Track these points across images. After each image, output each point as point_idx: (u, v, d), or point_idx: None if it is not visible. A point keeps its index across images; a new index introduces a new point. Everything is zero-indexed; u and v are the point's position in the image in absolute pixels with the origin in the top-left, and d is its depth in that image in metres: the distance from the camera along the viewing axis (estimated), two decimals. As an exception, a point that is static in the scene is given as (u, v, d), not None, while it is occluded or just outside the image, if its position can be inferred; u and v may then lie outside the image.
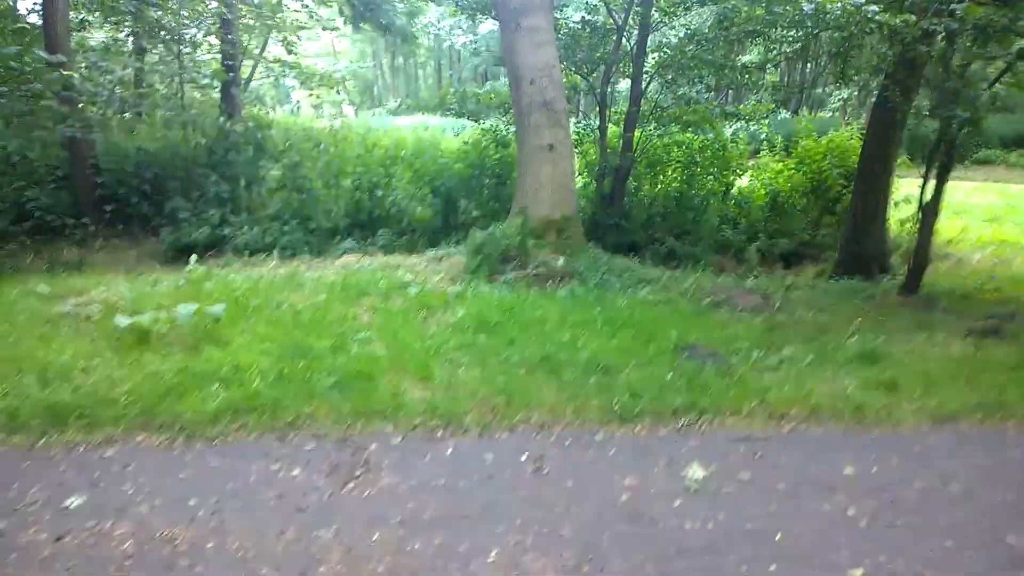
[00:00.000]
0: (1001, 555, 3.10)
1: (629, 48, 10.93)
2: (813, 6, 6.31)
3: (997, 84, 7.16)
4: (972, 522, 3.36)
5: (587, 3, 12.20)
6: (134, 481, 3.50)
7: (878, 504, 3.50)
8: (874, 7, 6.05)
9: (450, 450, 3.95)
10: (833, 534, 3.23)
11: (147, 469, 3.62)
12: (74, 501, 3.32)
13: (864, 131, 9.49)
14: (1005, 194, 18.77)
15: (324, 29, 20.74)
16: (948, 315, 6.85)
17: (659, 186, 11.86)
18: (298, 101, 38.83)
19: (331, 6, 18.26)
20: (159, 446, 3.87)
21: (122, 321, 5.03)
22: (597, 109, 11.36)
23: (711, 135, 11.86)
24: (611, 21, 10.90)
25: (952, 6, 6.25)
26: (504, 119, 12.15)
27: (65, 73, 8.76)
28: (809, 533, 3.23)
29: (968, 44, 6.76)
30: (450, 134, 19.61)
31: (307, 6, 16.40)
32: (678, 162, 11.80)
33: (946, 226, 12.34)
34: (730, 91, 22.84)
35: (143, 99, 11.46)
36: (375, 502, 3.39)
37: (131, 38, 12.38)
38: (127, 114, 12.09)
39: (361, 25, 23.58)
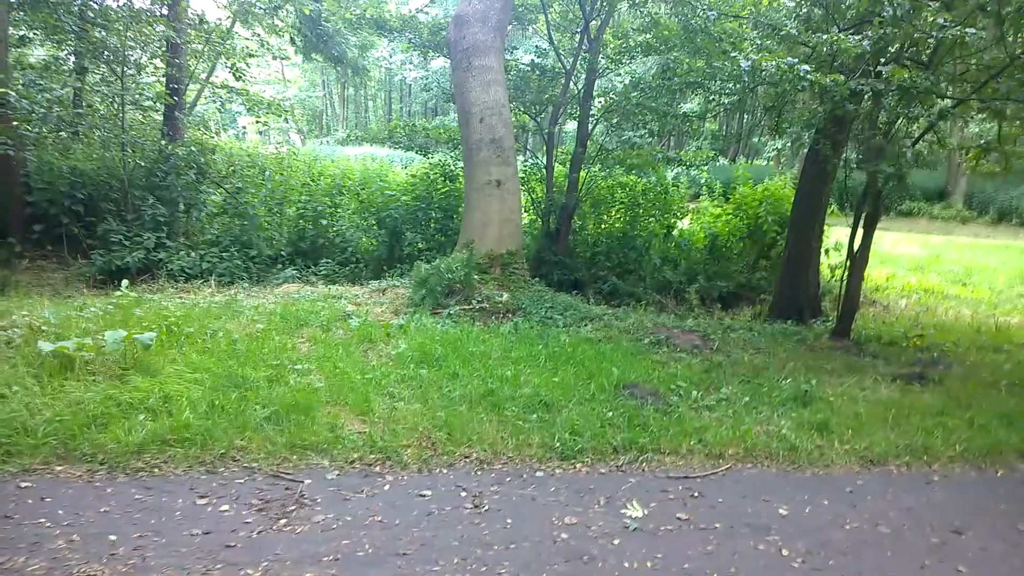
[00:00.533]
0: (927, 595, 3.17)
1: (576, 91, 11.16)
2: (750, 63, 6.58)
3: (920, 142, 7.54)
4: (900, 563, 3.44)
5: (537, 47, 12.46)
6: (51, 514, 3.33)
7: (811, 544, 3.56)
8: (806, 67, 6.35)
9: (388, 486, 3.87)
10: (769, 574, 3.26)
11: (66, 502, 3.44)
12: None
13: (797, 180, 9.87)
14: (928, 245, 19.69)
15: (275, 58, 20.62)
16: (876, 360, 7.10)
17: (603, 225, 12.05)
18: (244, 127, 38.37)
19: (282, 35, 18.19)
20: (79, 478, 3.69)
21: (45, 346, 4.80)
22: (544, 148, 11.53)
23: (653, 178, 12.15)
24: (559, 65, 11.14)
25: (879, 68, 6.60)
26: (452, 154, 12.23)
27: (0, 90, 8.46)
28: (744, 573, 3.26)
29: (893, 104, 7.11)
30: (398, 166, 19.64)
31: (258, 35, 16.30)
32: (622, 203, 12.03)
33: (874, 273, 12.86)
34: (672, 137, 23.53)
35: (81, 119, 11.12)
36: (308, 539, 3.28)
37: (72, 57, 12.05)
38: (63, 133, 11.71)
39: (312, 55, 23.55)
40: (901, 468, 4.62)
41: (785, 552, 3.47)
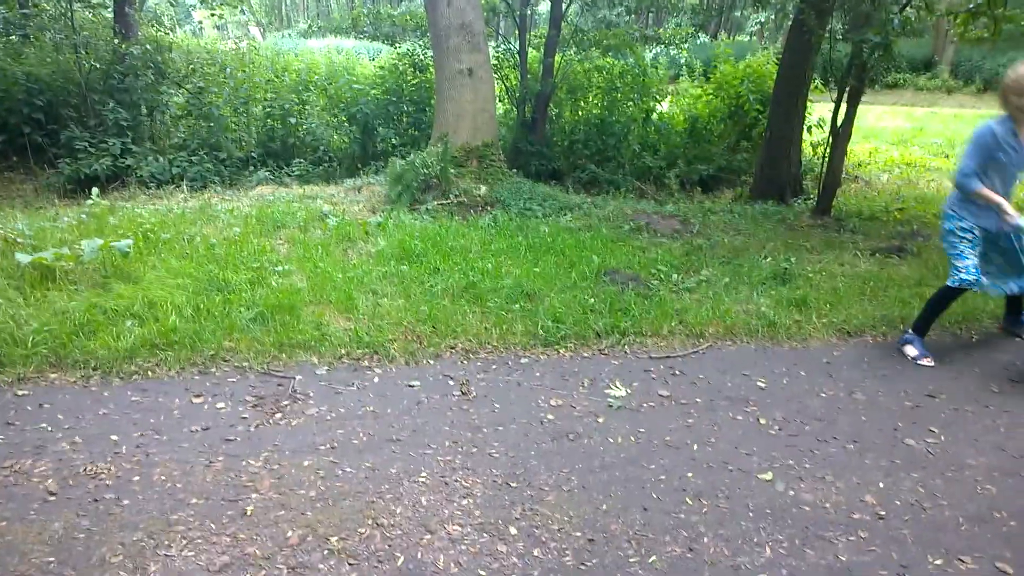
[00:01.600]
0: (900, 456, 3.34)
1: (549, -32, 10.69)
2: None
3: (907, 8, 7.33)
4: (874, 427, 3.61)
5: (505, -80, 11.81)
6: (51, 419, 3.39)
7: (787, 413, 3.71)
8: (791, -71, 6.07)
9: (376, 379, 3.95)
10: (745, 442, 3.42)
11: (64, 407, 3.50)
12: (-13, 443, 3.19)
13: (780, 56, 9.64)
14: (912, 117, 19.55)
15: (226, -56, 19.44)
16: (856, 235, 7.18)
17: (580, 112, 11.80)
18: (200, 21, 36.58)
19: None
20: (74, 384, 3.73)
21: (23, 258, 4.75)
22: (516, 33, 11.13)
23: (631, 60, 11.81)
24: (530, -61, 10.61)
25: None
26: (421, 43, 11.79)
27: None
28: (723, 442, 3.41)
29: (880, -33, 6.87)
30: (365, 58, 18.95)
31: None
32: (599, 88, 11.73)
33: (856, 149, 12.83)
34: (650, 15, 22.77)
35: (29, 20, 10.54)
36: (303, 431, 3.38)
37: (13, -48, 11.31)
38: (13, 37, 11.12)
39: (266, -60, 22.22)
40: (878, 338, 4.77)
41: (763, 421, 3.62)
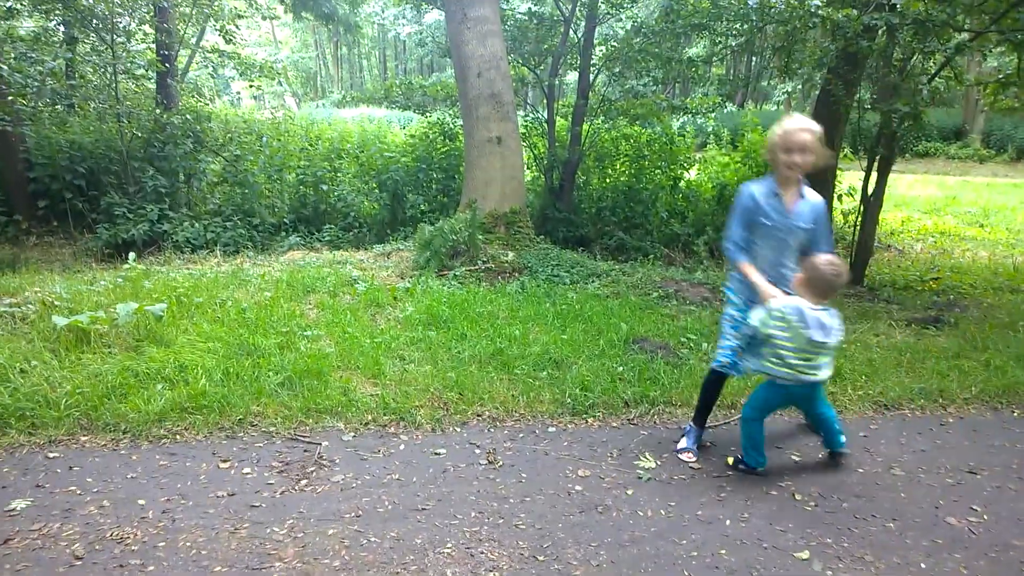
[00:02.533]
0: (942, 535, 3.21)
1: (576, 40, 10.96)
2: (758, 0, 6.41)
3: (936, 78, 7.38)
4: (914, 504, 3.48)
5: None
6: (80, 482, 3.40)
7: (824, 488, 3.60)
8: (817, 2, 6.18)
9: (403, 445, 3.92)
10: (780, 518, 3.31)
11: (93, 470, 3.51)
12: (19, 504, 3.20)
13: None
14: (944, 186, 19.46)
15: (264, 18, 20.30)
16: (891, 305, 7.08)
17: (608, 180, 11.93)
18: (238, 92, 37.99)
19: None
20: (104, 447, 3.76)
21: (60, 321, 4.84)
22: (545, 102, 11.37)
23: (659, 129, 11.97)
24: (558, 12, 10.93)
25: (893, 1, 6.42)
26: (451, 112, 12.08)
27: (-8, 64, 8.38)
28: (757, 517, 3.30)
29: (908, 39, 6.94)
30: (396, 127, 19.46)
31: (245, -6, 16.03)
32: (626, 156, 11.88)
33: (888, 217, 12.77)
34: (677, 85, 23.20)
35: (75, 91, 11.02)
36: (329, 498, 3.34)
37: (61, 27, 11.91)
38: (59, 106, 11.62)
39: (302, 14, 23.17)
40: (915, 411, 4.64)
41: (798, 496, 3.51)
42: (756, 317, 3.50)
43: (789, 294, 3.52)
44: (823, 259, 3.39)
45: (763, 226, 3.60)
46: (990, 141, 26.91)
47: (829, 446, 3.85)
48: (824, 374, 3.48)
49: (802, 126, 3.46)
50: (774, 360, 3.46)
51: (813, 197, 3.65)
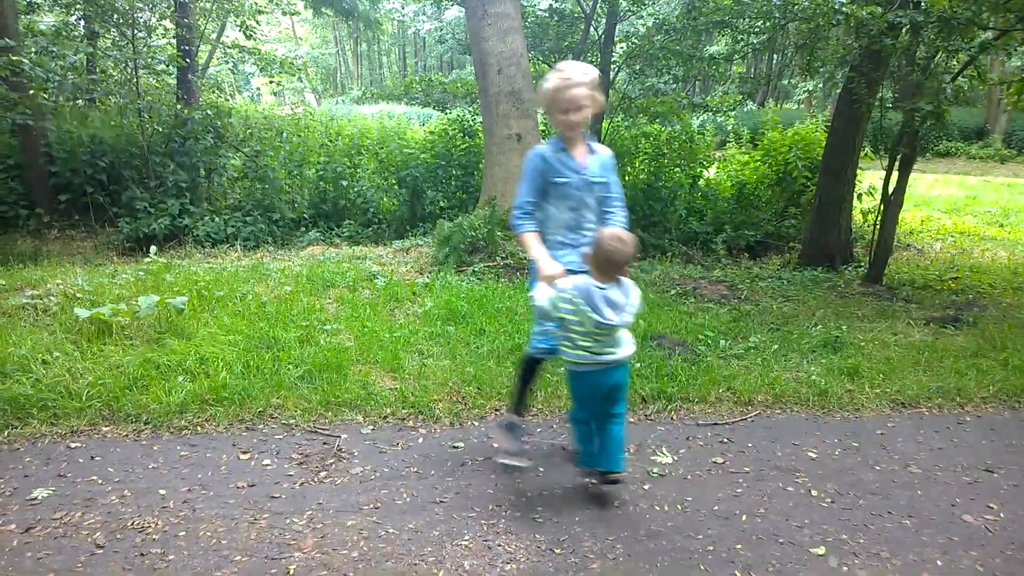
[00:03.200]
0: (958, 533, 3.19)
1: (597, 37, 10.96)
2: (781, -2, 6.38)
3: (960, 77, 7.31)
4: (930, 502, 3.46)
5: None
6: (102, 472, 3.45)
7: (840, 485, 3.59)
8: (841, -1, 6.13)
9: (421, 439, 3.95)
10: (797, 514, 3.30)
11: (114, 460, 3.57)
12: (41, 493, 3.25)
13: (829, 123, 9.65)
14: (965, 186, 19.25)
15: (284, 14, 20.42)
16: (909, 304, 7.02)
17: (627, 177, 11.90)
18: (258, 88, 38.29)
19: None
20: (126, 437, 3.82)
21: (82, 313, 4.92)
22: (564, 99, 11.35)
23: (678, 127, 11.94)
24: (579, 9, 10.92)
25: (917, -1, 6.36)
26: (471, 108, 12.12)
27: (14, 58, 8.49)
28: (774, 513, 3.30)
29: (932, 37, 6.87)
30: (416, 123, 19.51)
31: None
32: (646, 154, 11.86)
33: (908, 217, 12.66)
34: (697, 82, 23.07)
35: (96, 85, 11.15)
36: (348, 490, 3.37)
37: (82, 22, 12.05)
38: (80, 101, 11.76)
39: (322, 10, 23.29)
40: (933, 410, 4.61)
41: (815, 493, 3.50)
42: (543, 297, 3.15)
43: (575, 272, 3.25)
44: (606, 233, 3.09)
45: (559, 186, 3.32)
46: (1012, 141, 26.60)
47: (604, 465, 3.29)
48: (623, 352, 3.16)
49: (572, 81, 3.15)
50: (567, 344, 3.17)
51: (602, 151, 3.47)
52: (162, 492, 3.29)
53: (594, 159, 3.40)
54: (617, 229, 3.16)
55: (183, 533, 2.98)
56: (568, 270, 3.24)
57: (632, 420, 4.29)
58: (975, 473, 3.78)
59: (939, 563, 2.96)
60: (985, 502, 3.48)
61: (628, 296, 3.12)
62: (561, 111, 3.21)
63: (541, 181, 3.32)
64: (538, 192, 3.33)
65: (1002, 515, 3.36)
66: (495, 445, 3.77)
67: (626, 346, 3.19)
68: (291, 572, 2.75)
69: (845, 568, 2.91)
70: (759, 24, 9.68)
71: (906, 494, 3.53)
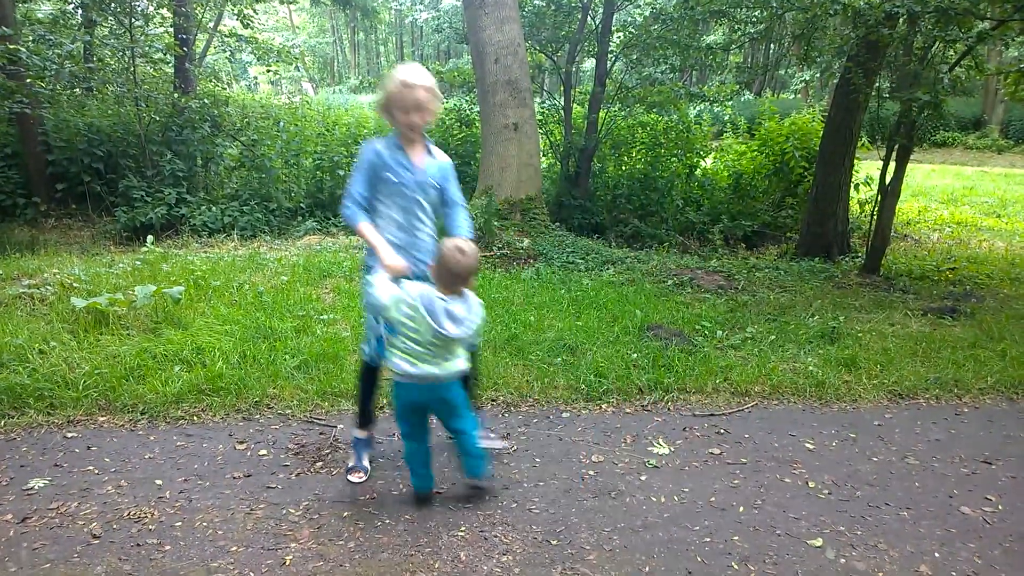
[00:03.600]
0: (956, 524, 3.20)
1: (594, 27, 10.90)
2: (778, -13, 6.35)
3: (957, 67, 7.29)
4: (928, 494, 3.46)
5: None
6: (98, 462, 3.45)
7: (838, 477, 3.59)
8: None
9: (418, 429, 3.93)
10: (794, 506, 3.30)
11: (111, 450, 3.56)
12: (37, 483, 3.25)
13: (826, 113, 9.63)
14: (962, 176, 19.27)
15: (281, 2, 20.32)
16: (906, 295, 7.03)
17: (624, 167, 11.90)
18: (255, 77, 38.09)
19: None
20: (122, 427, 3.81)
21: (78, 303, 4.90)
22: (562, 88, 11.33)
23: (675, 116, 11.91)
24: (576, -1, 10.87)
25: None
26: (467, 98, 12.06)
27: (11, 47, 8.44)
28: (771, 505, 3.30)
29: (930, 27, 6.85)
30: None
31: (265, -21, 16.03)
32: (642, 143, 11.84)
33: (905, 207, 12.66)
34: (694, 72, 23.00)
35: (93, 74, 11.09)
36: (344, 480, 3.37)
37: (79, 10, 11.96)
38: (77, 90, 11.70)
39: (320, -1, 23.18)
40: (930, 401, 4.61)
41: (812, 484, 3.51)
42: (384, 293, 2.95)
43: (420, 266, 3.23)
44: (447, 244, 3.01)
45: (390, 184, 3.23)
46: (1009, 131, 26.58)
47: (467, 471, 3.26)
48: (452, 368, 3.03)
49: (417, 82, 3.11)
50: (394, 349, 3.02)
51: (441, 157, 3.42)
52: (158, 482, 3.28)
53: (432, 163, 3.35)
54: (460, 240, 3.09)
55: (179, 523, 2.98)
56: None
57: (629, 411, 4.29)
58: (973, 464, 3.79)
59: (937, 555, 2.97)
60: (983, 494, 3.48)
61: (470, 310, 3.04)
62: (403, 111, 3.15)
63: (373, 175, 3.24)
64: (369, 186, 3.25)
65: (1000, 507, 3.37)
66: (348, 464, 3.50)
67: (457, 362, 3.05)
68: (287, 563, 2.75)
69: (843, 560, 2.91)
70: (756, 13, 9.64)
71: (904, 485, 3.54)
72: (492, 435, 3.75)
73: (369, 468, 3.47)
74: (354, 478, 3.39)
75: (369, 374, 3.49)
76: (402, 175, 3.23)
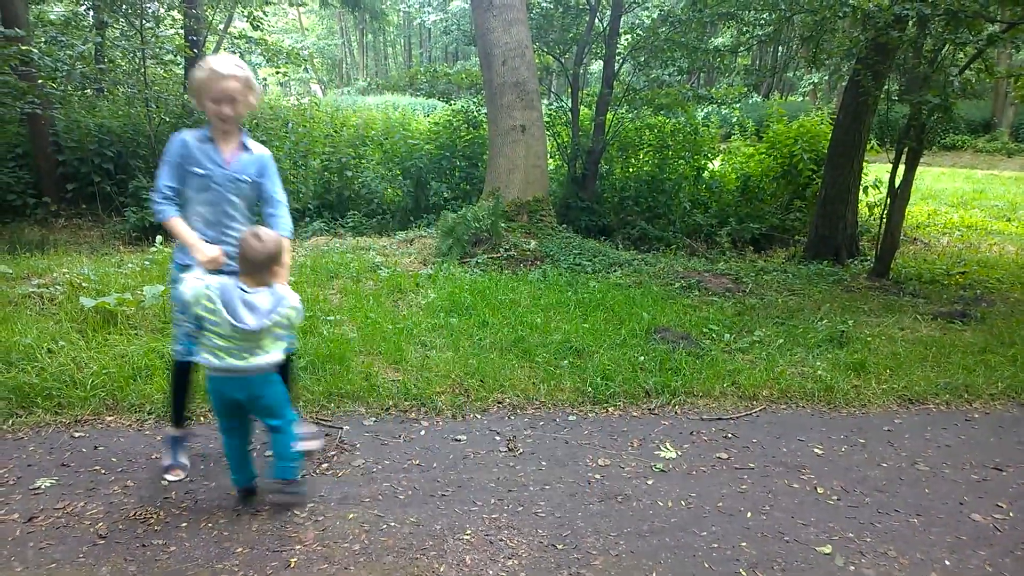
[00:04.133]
0: (966, 531, 3.17)
1: (602, 29, 10.88)
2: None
3: (967, 70, 7.25)
4: (938, 500, 3.43)
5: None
6: (105, 462, 3.45)
7: (847, 483, 3.56)
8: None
9: (423, 431, 3.93)
10: (802, 512, 3.28)
11: (118, 450, 3.56)
12: (44, 482, 3.25)
13: (834, 116, 9.58)
14: (972, 179, 19.16)
15: (291, 5, 20.38)
16: (916, 298, 6.98)
17: (631, 169, 11.87)
18: (264, 78, 38.16)
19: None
20: (129, 427, 3.82)
21: (87, 302, 4.92)
22: (569, 90, 11.32)
23: (683, 118, 11.88)
24: (584, 0, 10.85)
25: (924, -10, 6.31)
26: (475, 100, 12.07)
27: (23, 48, 8.48)
28: (779, 510, 3.28)
29: (939, 29, 6.82)
30: (420, 114, 19.46)
31: (274, -19, 16.08)
32: (650, 145, 11.82)
33: (915, 210, 12.59)
34: (702, 74, 22.95)
35: (104, 75, 11.15)
36: (349, 482, 3.36)
37: (91, 12, 12.03)
38: (88, 90, 11.76)
39: (329, 1, 23.24)
40: (940, 406, 4.57)
41: (820, 490, 3.48)
42: (189, 288, 2.88)
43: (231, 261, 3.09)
44: (246, 231, 2.97)
45: (197, 177, 3.11)
46: (1019, 135, 26.43)
47: (274, 472, 3.11)
48: (260, 362, 2.92)
49: (228, 72, 3.04)
50: (202, 343, 2.94)
51: (258, 150, 3.30)
52: (164, 483, 3.28)
53: (247, 157, 3.24)
54: (260, 228, 3.00)
55: (185, 524, 2.98)
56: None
57: (636, 414, 4.27)
58: (984, 471, 3.75)
59: (947, 562, 2.94)
60: (994, 500, 3.45)
61: (277, 303, 2.93)
62: (213, 100, 3.05)
63: (180, 168, 3.11)
64: (176, 178, 3.12)
65: (1011, 514, 3.33)
66: (164, 463, 3.42)
67: (265, 357, 2.94)
68: (292, 565, 2.74)
69: (852, 567, 2.88)
70: (765, 16, 9.61)
71: (913, 492, 3.51)
72: (309, 433, 3.60)
73: (188, 465, 3.40)
74: (171, 476, 3.32)
75: (179, 372, 3.37)
76: (210, 168, 3.12)
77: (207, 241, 3.10)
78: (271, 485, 3.12)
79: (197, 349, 3.01)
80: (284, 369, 3.28)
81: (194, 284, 2.87)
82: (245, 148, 3.24)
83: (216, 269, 3.01)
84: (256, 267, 2.91)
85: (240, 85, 3.07)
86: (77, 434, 3.71)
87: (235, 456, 3.10)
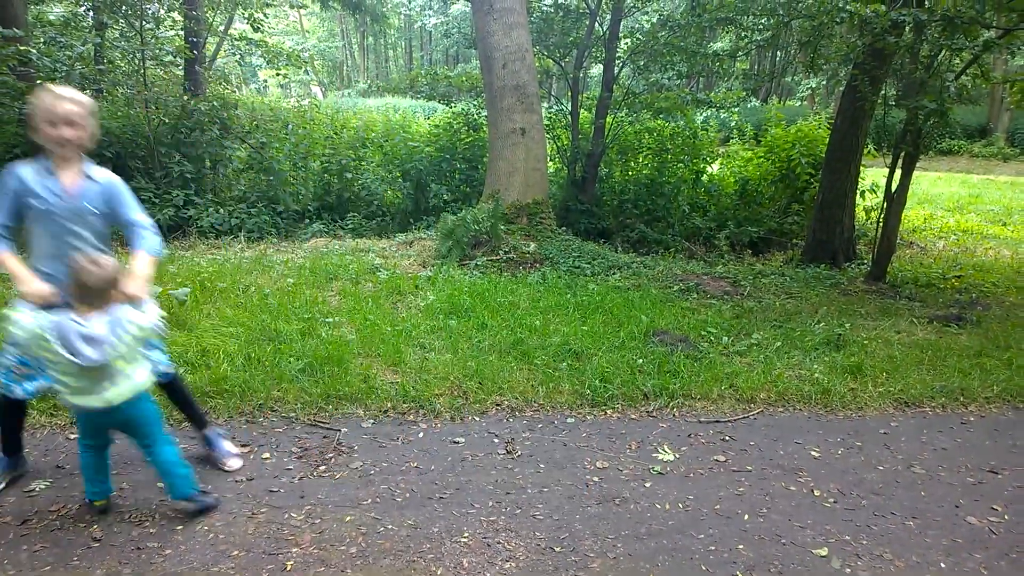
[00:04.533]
0: (962, 534, 3.18)
1: (602, 33, 10.91)
2: (785, -5, 6.36)
3: (963, 75, 7.27)
4: (934, 503, 3.44)
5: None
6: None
7: (843, 485, 3.57)
8: (844, -4, 6.11)
9: (422, 433, 3.94)
10: (799, 514, 3.29)
11: (113, 452, 3.52)
12: (39, 485, 3.26)
13: (832, 120, 9.61)
14: (968, 184, 19.20)
15: (291, 7, 20.40)
16: (912, 302, 7.00)
17: (630, 173, 11.89)
18: (265, 80, 38.17)
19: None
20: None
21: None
22: (569, 94, 11.33)
23: (682, 122, 11.91)
24: (584, 5, 10.87)
25: (921, -3, 6.34)
26: (475, 102, 12.08)
27: (22, 48, 8.47)
28: (776, 513, 3.29)
29: (936, 35, 6.85)
30: (421, 117, 19.45)
31: (275, -17, 16.10)
32: (649, 149, 11.84)
33: (911, 215, 12.62)
34: (701, 79, 22.97)
35: (103, 76, 11.14)
36: (347, 484, 3.36)
37: (91, 12, 12.02)
38: (87, 91, 11.75)
39: (330, 3, 23.26)
40: (936, 410, 4.59)
41: (817, 492, 3.49)
42: (24, 326, 2.77)
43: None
44: (81, 258, 2.81)
45: (36, 210, 2.95)
46: (1015, 139, 26.49)
47: (171, 494, 3.08)
48: (118, 394, 2.82)
49: (68, 95, 2.94)
50: (52, 376, 2.84)
51: (104, 176, 3.11)
52: (160, 485, 3.27)
53: (91, 185, 3.06)
54: (98, 255, 2.87)
55: (180, 527, 2.98)
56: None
57: (634, 417, 4.28)
58: (979, 474, 3.77)
59: (943, 565, 2.95)
60: (989, 503, 3.46)
61: (115, 324, 2.77)
62: (51, 124, 2.91)
63: (16, 201, 2.97)
64: (11, 214, 2.98)
65: (1007, 517, 3.34)
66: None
67: (126, 383, 2.83)
68: (288, 568, 2.75)
69: (848, 570, 2.89)
70: (763, 21, 9.63)
71: (909, 494, 3.52)
72: (231, 452, 3.55)
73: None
74: None
75: (7, 407, 3.19)
76: (49, 201, 2.96)
77: (50, 275, 2.98)
78: (177, 505, 3.08)
79: (16, 385, 2.97)
80: (175, 392, 3.35)
81: (30, 322, 2.75)
82: (88, 177, 3.07)
83: (47, 305, 2.87)
84: (91, 294, 2.76)
85: (81, 109, 2.96)
86: (72, 436, 3.70)
87: (93, 469, 3.01)
